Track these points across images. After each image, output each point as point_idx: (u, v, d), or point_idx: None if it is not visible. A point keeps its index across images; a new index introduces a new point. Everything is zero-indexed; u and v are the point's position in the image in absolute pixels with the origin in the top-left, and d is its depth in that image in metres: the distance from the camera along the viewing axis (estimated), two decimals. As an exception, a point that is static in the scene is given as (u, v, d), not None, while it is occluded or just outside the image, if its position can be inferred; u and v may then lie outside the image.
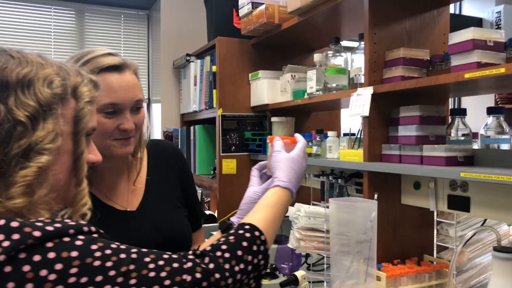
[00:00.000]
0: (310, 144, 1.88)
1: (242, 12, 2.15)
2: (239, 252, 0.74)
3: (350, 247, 1.25)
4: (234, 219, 1.02)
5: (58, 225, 0.59)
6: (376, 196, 1.40)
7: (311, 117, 2.44)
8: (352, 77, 1.67)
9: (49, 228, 0.58)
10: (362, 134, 1.62)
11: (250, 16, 2.09)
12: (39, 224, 0.58)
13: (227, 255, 0.72)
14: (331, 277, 1.30)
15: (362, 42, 1.66)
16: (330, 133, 1.77)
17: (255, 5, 2.07)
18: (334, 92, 1.71)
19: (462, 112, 1.46)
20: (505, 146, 1.35)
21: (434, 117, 1.39)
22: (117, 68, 1.01)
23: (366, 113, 1.46)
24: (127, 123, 1.02)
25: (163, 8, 3.18)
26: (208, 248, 0.73)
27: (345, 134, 1.81)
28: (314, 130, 2.15)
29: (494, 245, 1.07)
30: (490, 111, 1.39)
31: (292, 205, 1.59)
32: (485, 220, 1.45)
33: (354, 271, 1.25)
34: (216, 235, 1.03)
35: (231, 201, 2.24)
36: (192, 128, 2.71)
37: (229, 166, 2.30)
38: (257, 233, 0.80)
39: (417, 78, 1.44)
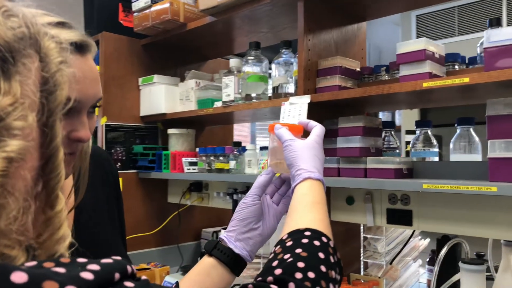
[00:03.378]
0: (223, 158, 1.69)
1: (137, 5, 1.86)
2: (323, 268, 0.57)
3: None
4: (225, 236, 0.81)
5: (93, 267, 0.31)
6: (320, 213, 1.28)
7: (205, 131, 2.24)
8: (276, 86, 1.55)
9: (86, 276, 0.30)
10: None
11: (148, 11, 1.81)
12: (59, 270, 0.29)
13: (311, 275, 0.55)
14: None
15: (284, 50, 1.57)
16: (248, 146, 1.61)
17: (155, 0, 1.81)
18: (255, 101, 1.56)
19: (392, 125, 1.46)
20: (434, 159, 1.38)
21: (374, 129, 1.35)
22: (80, 48, 0.67)
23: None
24: (83, 131, 0.67)
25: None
26: (279, 271, 0.55)
27: (262, 148, 1.67)
28: (209, 144, 1.98)
29: (463, 258, 1.04)
30: (419, 124, 1.42)
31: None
32: (413, 232, 1.46)
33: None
34: (204, 261, 0.79)
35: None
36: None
37: (113, 185, 1.93)
38: (325, 239, 0.62)
39: (352, 88, 1.40)
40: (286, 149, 0.80)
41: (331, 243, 0.63)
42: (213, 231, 2.08)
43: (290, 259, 0.58)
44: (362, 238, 1.52)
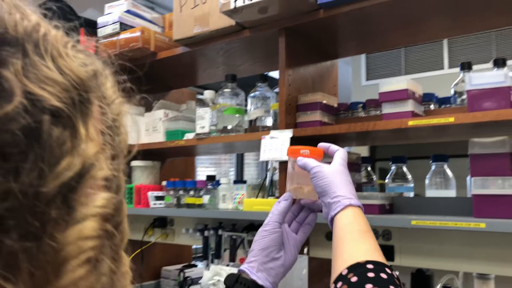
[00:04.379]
0: (193, 193, 1.63)
1: (103, 31, 1.78)
2: None
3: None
4: (246, 268, 0.77)
5: None
6: (306, 250, 1.26)
7: (166, 163, 2.15)
8: (252, 119, 1.53)
9: None
10: (268, 181, 1.48)
11: (116, 39, 1.74)
12: None
13: None
14: None
15: (260, 84, 1.57)
16: (223, 180, 1.57)
17: (124, 27, 1.74)
18: (233, 134, 1.53)
19: (369, 160, 1.49)
20: (410, 194, 1.42)
21: (354, 164, 1.36)
22: None
23: (285, 157, 1.33)
24: None
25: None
26: None
27: (236, 182, 1.63)
28: (170, 177, 1.90)
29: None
30: (395, 160, 1.45)
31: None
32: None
33: None
34: None
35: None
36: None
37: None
38: (389, 271, 0.59)
39: (331, 124, 1.42)
40: (315, 176, 0.77)
41: (395, 274, 0.61)
42: (177, 270, 1.97)
43: None
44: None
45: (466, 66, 1.31)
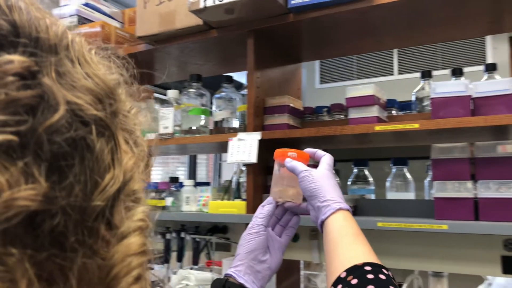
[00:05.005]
0: (154, 195, 1.59)
1: (59, 25, 1.69)
2: None
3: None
4: (233, 272, 0.76)
5: None
6: (274, 252, 1.26)
7: (123, 163, 2.08)
8: (218, 120, 1.52)
9: None
10: (235, 184, 1.47)
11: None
12: None
13: None
14: None
15: (226, 85, 1.56)
16: (186, 182, 1.54)
17: (82, 20, 1.67)
18: (198, 135, 1.50)
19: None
20: (371, 196, 1.47)
21: (314, 166, 1.39)
22: None
23: (254, 160, 1.33)
24: None
25: None
26: None
27: (198, 184, 1.60)
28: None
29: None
30: (357, 163, 1.50)
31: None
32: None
33: None
34: None
35: None
36: None
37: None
38: (386, 271, 0.61)
39: (298, 127, 1.44)
40: (304, 180, 0.78)
41: (391, 274, 0.62)
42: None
43: None
44: (302, 275, 1.53)
45: (427, 75, 1.37)
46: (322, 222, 0.73)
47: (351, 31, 1.42)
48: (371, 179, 1.47)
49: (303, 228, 1.38)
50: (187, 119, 1.52)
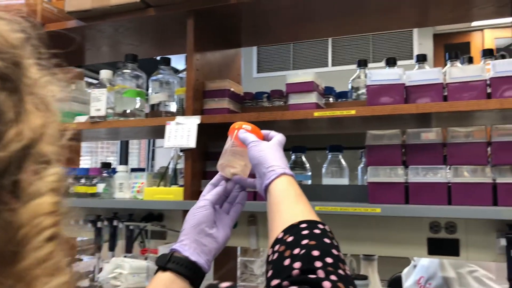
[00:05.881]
0: (85, 181, 1.50)
1: (-24, -6, 1.53)
2: (334, 251, 0.58)
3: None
4: (177, 246, 0.74)
5: None
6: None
7: (49, 148, 1.95)
8: (155, 103, 1.46)
9: None
10: (172, 170, 1.43)
11: (-7, 3, 1.51)
12: None
13: (329, 260, 0.56)
14: None
15: (163, 67, 1.50)
16: (120, 168, 1.47)
17: (3, -9, 1.52)
18: (132, 118, 1.44)
19: (271, 150, 1.52)
20: (307, 182, 1.49)
21: (260, 153, 1.38)
22: None
23: (193, 144, 1.30)
24: None
25: None
26: (298, 265, 0.55)
27: (133, 170, 1.54)
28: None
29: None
30: (294, 149, 1.51)
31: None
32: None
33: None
34: (158, 278, 0.71)
35: None
36: None
37: None
38: (321, 226, 0.62)
39: (237, 112, 1.42)
40: (252, 149, 0.78)
41: (327, 228, 0.63)
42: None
43: (303, 251, 0.56)
44: (239, 261, 1.53)
45: (362, 63, 1.41)
46: (267, 187, 0.73)
47: (290, 16, 1.43)
48: (308, 166, 1.50)
49: (242, 214, 1.36)
50: (121, 102, 1.44)
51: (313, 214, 0.67)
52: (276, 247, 0.60)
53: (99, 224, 1.51)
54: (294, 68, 3.44)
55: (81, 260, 1.96)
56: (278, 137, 0.83)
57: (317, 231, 0.60)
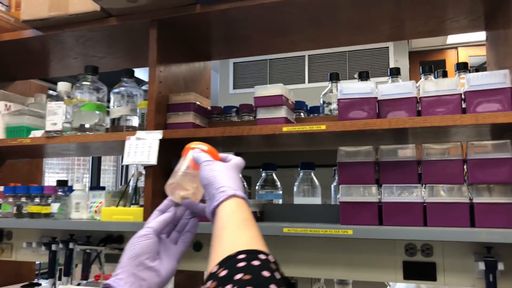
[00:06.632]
0: (39, 200, 1.39)
1: None
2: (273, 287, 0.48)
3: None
4: (112, 281, 0.65)
5: None
6: (173, 262, 1.14)
7: (6, 165, 1.83)
8: (116, 117, 1.37)
9: None
10: (132, 188, 1.33)
11: None
12: None
13: None
14: None
15: (126, 79, 1.42)
16: (77, 186, 1.36)
17: (-46, -3, 1.42)
18: (90, 133, 1.34)
19: (240, 167, 1.44)
20: (278, 201, 1.41)
21: (227, 170, 1.30)
22: None
23: (154, 161, 1.21)
24: None
25: None
26: None
27: (92, 188, 1.43)
28: (10, 182, 1.63)
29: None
30: (265, 167, 1.44)
31: None
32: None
33: None
34: None
35: None
36: None
37: None
38: (262, 256, 0.53)
39: (202, 127, 1.34)
40: (204, 169, 0.70)
41: (271, 258, 0.54)
42: (12, 291, 1.67)
43: None
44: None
45: (334, 77, 1.36)
46: (214, 210, 0.65)
47: (262, 28, 1.37)
48: (278, 184, 1.42)
49: (207, 235, 1.27)
50: (79, 116, 1.35)
51: (260, 242, 0.58)
52: (208, 284, 0.51)
53: (54, 247, 1.39)
54: (271, 83, 3.39)
55: (39, 285, 1.83)
56: (235, 160, 0.75)
57: (256, 262, 0.52)
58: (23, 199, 1.41)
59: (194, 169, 0.74)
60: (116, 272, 0.66)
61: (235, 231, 0.59)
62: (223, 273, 0.50)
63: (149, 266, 0.67)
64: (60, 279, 1.41)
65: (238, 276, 0.49)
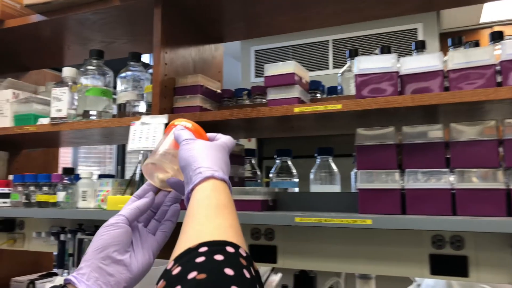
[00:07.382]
0: (47, 189, 1.35)
1: None
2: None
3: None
4: (73, 276, 0.58)
5: None
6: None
7: (22, 155, 1.81)
8: (122, 103, 1.31)
9: None
10: (138, 176, 1.27)
11: None
12: None
13: None
14: None
15: (133, 63, 1.35)
16: (83, 174, 1.31)
17: (-41, -17, 1.39)
18: (95, 118, 1.29)
19: (253, 153, 1.36)
20: (294, 189, 1.32)
21: (237, 156, 1.22)
22: None
23: (158, 147, 1.14)
24: None
25: None
26: None
27: (101, 176, 1.38)
28: (27, 171, 1.59)
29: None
30: (280, 153, 1.35)
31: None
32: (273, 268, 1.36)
33: None
34: None
35: None
36: None
37: None
38: (231, 249, 0.44)
39: (211, 111, 1.26)
40: (183, 148, 0.61)
41: (242, 251, 0.45)
42: (27, 281, 1.65)
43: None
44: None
45: (353, 53, 1.25)
46: (189, 194, 0.56)
47: (278, 3, 1.26)
48: (294, 171, 1.33)
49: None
50: (84, 101, 1.29)
51: (233, 232, 0.49)
52: (160, 283, 0.42)
53: (62, 237, 1.35)
54: (294, 72, 3.28)
55: (56, 274, 1.81)
56: (223, 139, 0.66)
57: (219, 257, 0.43)
58: (32, 188, 1.37)
59: (175, 149, 0.65)
60: (80, 266, 0.58)
61: (203, 219, 0.50)
62: (176, 270, 0.42)
63: (117, 260, 0.59)
64: (71, 268, 1.37)
65: (192, 275, 0.40)
